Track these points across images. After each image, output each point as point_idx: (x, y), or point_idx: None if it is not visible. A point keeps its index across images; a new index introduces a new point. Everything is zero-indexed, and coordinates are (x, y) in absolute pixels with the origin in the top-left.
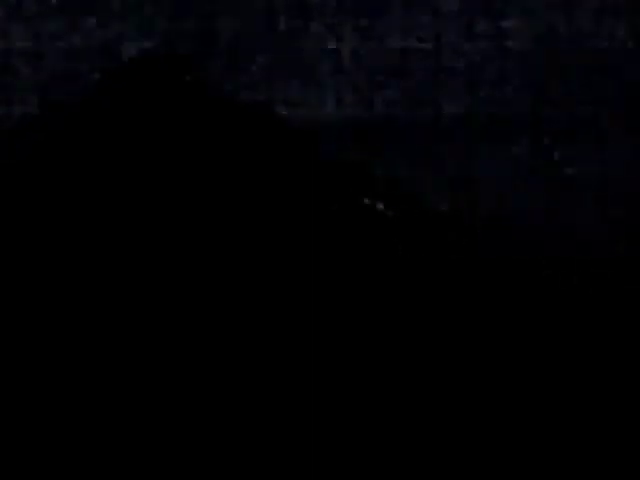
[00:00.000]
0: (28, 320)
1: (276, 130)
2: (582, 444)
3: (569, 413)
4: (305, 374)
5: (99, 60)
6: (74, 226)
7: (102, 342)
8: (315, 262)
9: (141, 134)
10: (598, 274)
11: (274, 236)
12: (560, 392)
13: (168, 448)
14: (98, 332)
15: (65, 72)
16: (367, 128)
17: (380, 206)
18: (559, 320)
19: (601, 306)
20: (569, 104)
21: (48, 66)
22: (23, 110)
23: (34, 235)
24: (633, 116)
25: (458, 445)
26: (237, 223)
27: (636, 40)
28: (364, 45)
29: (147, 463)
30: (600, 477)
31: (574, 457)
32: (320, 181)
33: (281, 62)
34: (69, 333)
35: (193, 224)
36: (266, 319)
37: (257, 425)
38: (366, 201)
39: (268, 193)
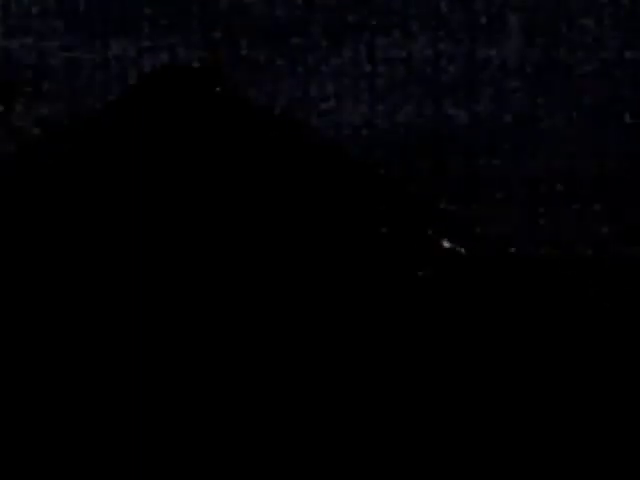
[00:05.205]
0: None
1: (308, 145)
2: (584, 444)
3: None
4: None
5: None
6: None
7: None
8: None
9: (163, 143)
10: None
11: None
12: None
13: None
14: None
15: (96, 83)
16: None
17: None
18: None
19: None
20: None
21: (82, 76)
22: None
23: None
24: None
25: (460, 444)
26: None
27: None
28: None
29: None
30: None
31: (574, 457)
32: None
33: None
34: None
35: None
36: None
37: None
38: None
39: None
